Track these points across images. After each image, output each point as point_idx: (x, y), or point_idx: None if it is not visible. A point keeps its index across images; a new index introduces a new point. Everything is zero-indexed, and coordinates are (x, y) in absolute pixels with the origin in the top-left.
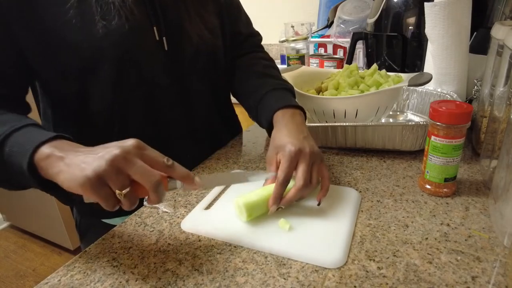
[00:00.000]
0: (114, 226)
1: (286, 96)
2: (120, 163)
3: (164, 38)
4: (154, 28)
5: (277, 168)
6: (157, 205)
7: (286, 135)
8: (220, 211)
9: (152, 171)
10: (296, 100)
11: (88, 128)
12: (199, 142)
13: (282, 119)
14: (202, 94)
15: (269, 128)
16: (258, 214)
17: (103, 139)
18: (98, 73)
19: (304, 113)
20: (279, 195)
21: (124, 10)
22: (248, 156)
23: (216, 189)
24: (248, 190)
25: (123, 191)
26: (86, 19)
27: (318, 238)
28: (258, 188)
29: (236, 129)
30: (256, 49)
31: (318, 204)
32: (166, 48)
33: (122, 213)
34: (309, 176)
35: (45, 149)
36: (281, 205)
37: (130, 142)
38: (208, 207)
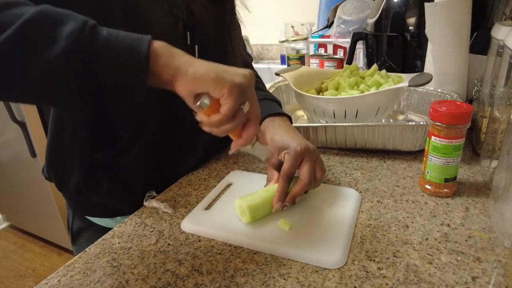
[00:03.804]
0: (106, 228)
1: (273, 105)
2: (251, 82)
3: (196, 46)
4: (187, 33)
5: (278, 169)
6: (156, 206)
7: (285, 136)
8: (220, 211)
9: None
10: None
11: (100, 119)
12: (206, 145)
13: (273, 124)
14: None
15: None
16: (261, 216)
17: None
18: None
19: (291, 121)
20: (284, 192)
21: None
22: (247, 156)
23: (216, 189)
24: (249, 191)
25: (248, 105)
26: None
27: (318, 238)
28: (260, 190)
29: None
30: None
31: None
32: (196, 56)
33: (114, 213)
34: (314, 173)
35: (158, 42)
36: (286, 203)
37: (248, 71)
38: (208, 207)
